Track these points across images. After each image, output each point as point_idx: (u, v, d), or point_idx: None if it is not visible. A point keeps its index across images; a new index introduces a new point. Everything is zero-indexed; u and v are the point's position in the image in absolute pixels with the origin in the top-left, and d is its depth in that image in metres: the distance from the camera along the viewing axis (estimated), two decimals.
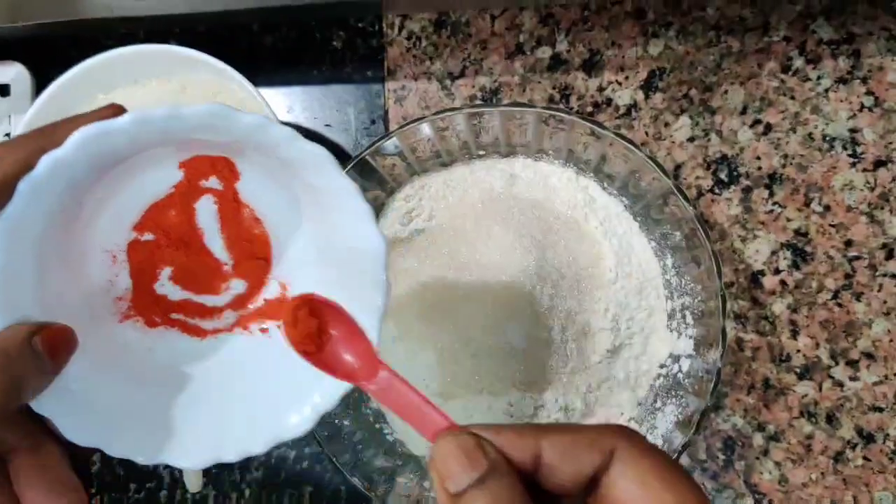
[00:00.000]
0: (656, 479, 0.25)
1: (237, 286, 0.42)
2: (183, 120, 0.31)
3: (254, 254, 0.42)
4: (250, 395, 0.39)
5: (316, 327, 0.38)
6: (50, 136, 0.30)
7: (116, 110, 0.32)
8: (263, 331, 0.42)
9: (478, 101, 0.57)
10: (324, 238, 0.39)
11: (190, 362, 0.41)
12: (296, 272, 0.42)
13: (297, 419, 0.37)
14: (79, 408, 0.35)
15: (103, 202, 0.38)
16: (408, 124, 0.48)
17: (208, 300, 0.42)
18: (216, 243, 0.42)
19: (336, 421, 0.50)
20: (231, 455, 0.36)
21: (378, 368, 0.35)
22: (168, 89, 0.53)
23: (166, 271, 0.42)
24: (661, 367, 0.50)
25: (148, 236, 0.40)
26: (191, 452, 0.36)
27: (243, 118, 0.32)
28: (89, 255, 0.39)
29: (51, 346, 0.32)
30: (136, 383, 0.39)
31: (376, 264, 0.35)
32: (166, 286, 0.42)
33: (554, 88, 0.56)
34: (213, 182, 0.40)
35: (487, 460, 0.26)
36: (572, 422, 0.49)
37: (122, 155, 0.33)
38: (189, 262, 0.42)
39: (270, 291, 0.42)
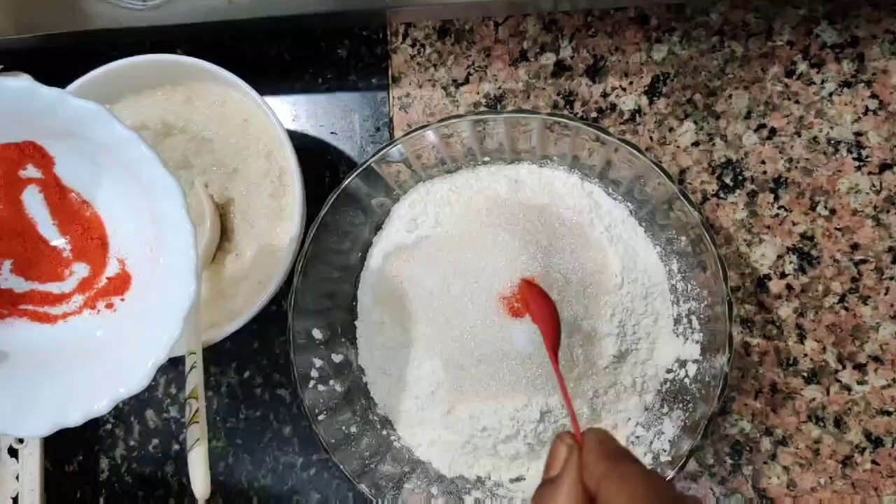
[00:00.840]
0: None
1: (80, 270, 0.44)
2: None
3: (90, 236, 0.44)
4: (95, 365, 0.40)
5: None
6: None
7: None
8: (109, 306, 0.43)
9: (482, 108, 0.57)
10: (137, 200, 0.40)
11: (41, 345, 0.42)
12: (129, 244, 0.43)
13: (137, 377, 0.37)
14: None
15: None
16: (413, 131, 0.48)
17: (54, 287, 0.44)
18: (51, 231, 0.43)
19: (343, 428, 0.50)
20: (76, 417, 0.37)
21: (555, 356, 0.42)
22: (174, 99, 0.53)
23: (6, 264, 0.43)
24: (668, 371, 0.50)
25: None
26: (34, 422, 0.38)
27: (7, 84, 0.33)
28: None
29: None
30: None
31: (176, 207, 0.36)
32: (10, 280, 0.43)
33: (558, 94, 0.56)
34: (31, 171, 0.41)
35: (560, 469, 0.34)
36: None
37: None
38: (28, 253, 0.43)
39: (111, 269, 0.44)
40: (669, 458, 0.46)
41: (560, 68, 0.57)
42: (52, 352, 0.42)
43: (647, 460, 0.48)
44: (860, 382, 0.53)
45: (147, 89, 0.54)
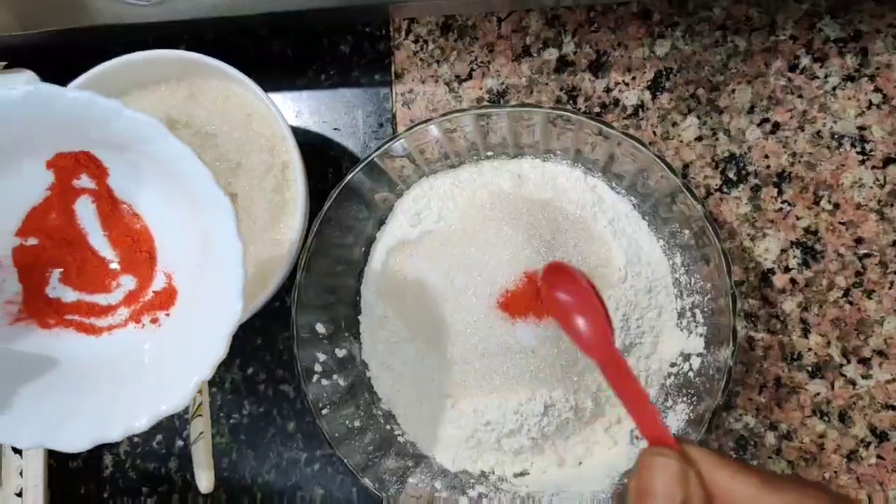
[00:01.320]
0: None
1: (127, 282, 0.43)
2: (7, 106, 0.31)
3: (138, 249, 0.43)
4: (137, 380, 0.40)
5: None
6: None
7: None
8: (154, 321, 0.43)
9: (485, 103, 0.57)
10: (186, 214, 0.40)
11: (85, 358, 0.42)
12: (176, 258, 0.43)
13: (180, 395, 0.37)
14: None
15: None
16: (416, 126, 0.48)
17: (101, 299, 0.43)
18: (101, 242, 0.43)
19: (347, 423, 0.50)
20: (115, 434, 0.37)
21: (609, 349, 0.36)
22: (178, 95, 0.53)
23: (56, 274, 0.43)
24: (672, 365, 0.50)
25: (32, 241, 0.42)
26: (74, 436, 0.37)
27: (66, 95, 0.33)
28: None
29: None
30: (28, 380, 0.39)
31: (226, 224, 0.35)
32: (58, 289, 0.43)
33: (561, 90, 0.56)
34: (85, 181, 0.41)
35: (683, 492, 0.25)
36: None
37: None
38: (77, 263, 0.43)
39: (158, 283, 0.43)
40: None
41: (563, 64, 0.57)
42: (95, 364, 0.41)
43: None
44: (865, 377, 0.52)
45: (150, 85, 0.54)
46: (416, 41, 0.58)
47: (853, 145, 0.53)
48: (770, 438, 0.53)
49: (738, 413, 0.54)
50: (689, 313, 0.50)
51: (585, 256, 0.50)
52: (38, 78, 0.59)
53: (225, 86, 0.53)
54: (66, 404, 0.39)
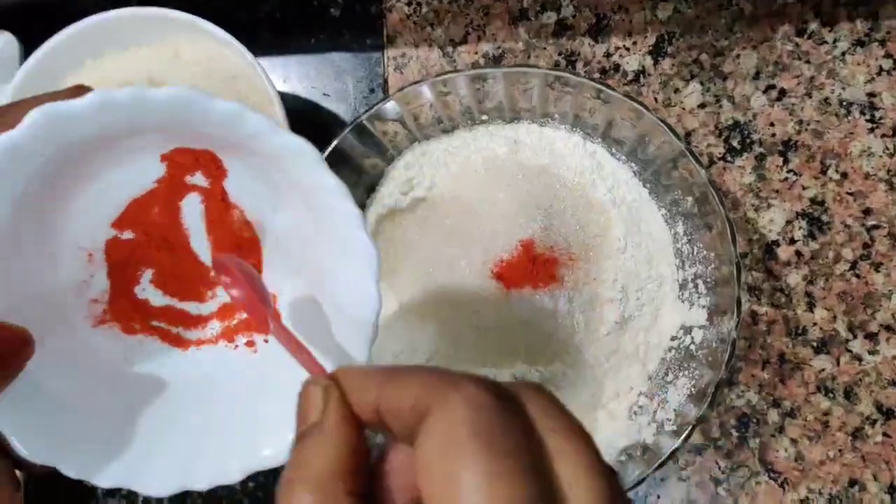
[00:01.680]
0: (451, 471, 0.20)
1: (224, 294, 0.39)
2: (149, 104, 0.28)
3: (243, 259, 0.39)
4: (229, 418, 0.35)
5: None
6: (5, 115, 0.28)
7: (82, 90, 0.29)
8: (249, 344, 0.39)
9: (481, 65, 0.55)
10: (309, 242, 0.36)
11: (168, 375, 0.38)
12: (285, 280, 0.39)
13: (275, 448, 0.33)
14: (36, 420, 0.32)
15: (80, 193, 0.35)
16: (408, 86, 0.46)
17: (192, 308, 0.39)
18: (202, 246, 0.39)
19: None
20: (202, 484, 0.33)
21: (268, 322, 0.33)
22: (160, 56, 0.51)
23: (147, 274, 0.39)
24: (673, 339, 0.48)
25: (128, 234, 0.38)
26: (157, 478, 0.33)
27: (217, 105, 0.29)
28: (63, 250, 0.36)
29: (1, 349, 0.29)
30: (106, 396, 0.35)
31: (366, 276, 0.32)
32: (147, 290, 0.39)
33: (559, 55, 0.54)
34: (198, 178, 0.37)
35: (322, 411, 0.25)
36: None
37: (89, 140, 0.30)
38: (173, 266, 0.39)
39: None
40: (674, 428, 0.44)
41: (561, 27, 0.54)
42: (178, 385, 0.37)
43: (651, 430, 0.46)
44: (871, 352, 0.51)
45: (133, 45, 0.51)
46: (409, 3, 0.56)
47: (862, 113, 0.51)
48: (773, 416, 0.51)
49: (741, 390, 0.52)
50: (691, 284, 0.48)
51: (583, 225, 0.48)
52: (17, 40, 0.57)
53: (210, 47, 0.51)
54: (150, 435, 0.34)
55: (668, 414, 0.46)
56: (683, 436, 0.43)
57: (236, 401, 0.36)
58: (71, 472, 0.32)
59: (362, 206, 0.52)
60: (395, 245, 0.50)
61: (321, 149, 0.48)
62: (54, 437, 0.32)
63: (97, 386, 0.36)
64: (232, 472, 0.33)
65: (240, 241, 0.39)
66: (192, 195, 0.38)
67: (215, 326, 0.39)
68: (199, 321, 0.39)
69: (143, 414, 0.35)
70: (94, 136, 0.29)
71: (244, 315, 0.39)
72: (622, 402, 0.48)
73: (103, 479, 0.33)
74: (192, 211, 0.38)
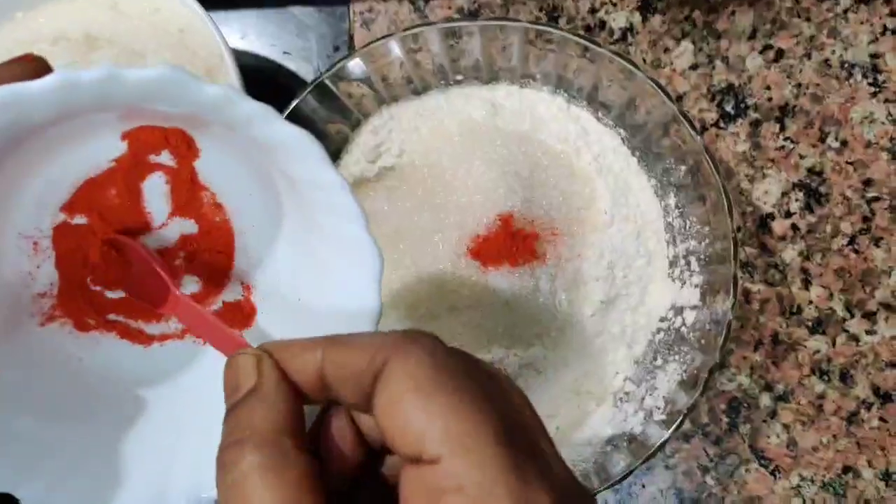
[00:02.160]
0: (419, 404, 0.21)
1: (191, 284, 0.36)
2: (125, 86, 0.25)
3: (213, 247, 0.35)
4: (200, 423, 0.32)
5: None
6: None
7: (38, 66, 0.26)
8: None
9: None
10: (301, 238, 0.33)
11: (130, 376, 0.34)
12: (263, 273, 0.35)
13: None
14: None
15: (24, 175, 0.31)
16: (374, 42, 0.42)
17: None
18: (167, 231, 0.35)
19: None
20: (179, 500, 0.30)
21: (175, 300, 0.32)
22: (99, 6, 0.46)
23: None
24: (662, 320, 0.45)
25: (79, 219, 0.33)
26: (126, 498, 0.30)
27: (205, 90, 0.25)
28: (2, 240, 0.32)
29: None
30: (60, 406, 0.32)
31: (365, 279, 0.29)
32: None
33: (541, 10, 0.50)
34: (164, 157, 0.33)
35: (257, 375, 0.25)
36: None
37: (46, 122, 0.26)
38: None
39: (231, 293, 0.36)
40: (664, 417, 0.41)
41: None
42: (142, 384, 0.34)
43: (638, 418, 0.42)
44: (869, 332, 0.48)
45: None
46: None
47: (864, 76, 0.48)
48: (765, 400, 0.48)
49: (731, 372, 0.49)
50: (682, 261, 0.44)
51: (567, 197, 0.44)
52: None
53: None
54: (113, 458, 0.31)
55: (656, 401, 0.42)
56: (674, 426, 0.40)
57: (207, 404, 0.32)
58: (23, 496, 0.29)
59: None
60: None
61: (279, 111, 0.44)
62: (1, 457, 0.29)
63: (50, 394, 0.32)
64: (210, 489, 0.30)
65: (209, 226, 0.35)
66: (157, 175, 0.34)
67: None
68: (162, 314, 0.35)
69: (105, 423, 0.32)
70: (50, 117, 0.26)
71: (216, 306, 0.36)
72: (607, 388, 0.45)
73: (65, 502, 0.30)
74: (155, 192, 0.34)
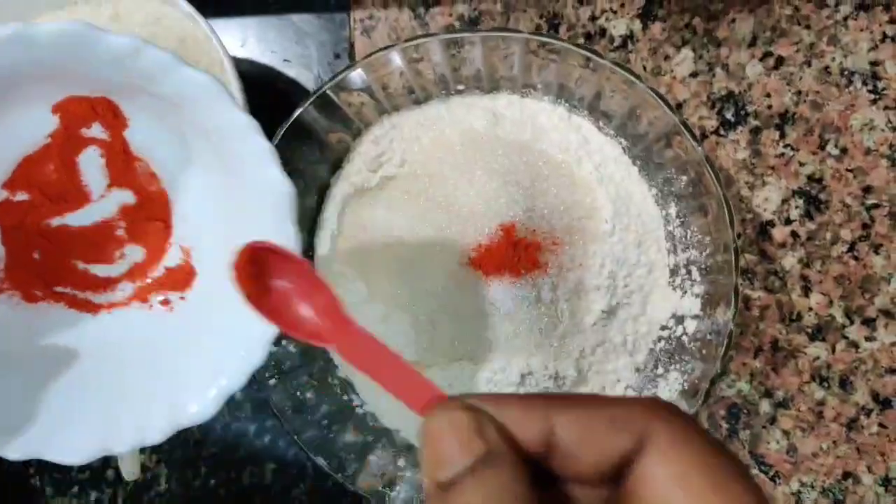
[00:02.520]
0: (703, 477, 0.19)
1: (134, 253, 0.37)
2: (33, 42, 0.26)
3: (151, 215, 0.36)
4: (148, 378, 0.34)
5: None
6: None
7: None
8: (164, 303, 0.37)
9: (456, 29, 0.50)
10: (223, 190, 0.35)
11: (78, 342, 0.35)
12: (199, 235, 0.37)
13: (198, 405, 0.32)
14: None
15: None
16: (376, 52, 0.42)
17: (100, 270, 0.37)
18: (106, 203, 0.37)
19: (298, 393, 0.44)
20: (123, 446, 0.32)
21: (345, 326, 0.27)
22: (100, 16, 0.46)
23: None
24: (663, 328, 0.45)
25: (21, 196, 0.35)
26: (73, 445, 0.32)
27: (110, 40, 0.27)
28: None
29: None
30: (9, 367, 0.33)
31: (281, 214, 0.31)
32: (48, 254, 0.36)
33: (541, 18, 0.50)
34: (96, 130, 0.34)
35: (485, 443, 0.20)
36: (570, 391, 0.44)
37: None
38: (75, 227, 0.37)
39: (172, 258, 0.37)
40: None
41: None
42: (92, 352, 0.36)
43: None
44: (869, 339, 0.48)
45: (68, 5, 0.46)
46: None
47: (864, 83, 0.48)
48: (765, 406, 0.49)
49: (731, 379, 0.49)
50: (683, 270, 0.44)
51: (568, 206, 0.44)
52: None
53: (155, 7, 0.46)
54: (62, 404, 0.33)
55: None
56: None
57: (154, 361, 0.35)
58: None
59: (326, 184, 0.47)
60: (363, 227, 0.46)
61: (280, 121, 0.44)
62: None
63: (6, 363, 0.34)
64: (154, 432, 0.32)
65: (146, 196, 0.37)
66: (91, 149, 0.36)
67: (127, 288, 0.38)
68: (108, 284, 0.37)
69: (55, 383, 0.34)
70: None
71: (159, 272, 0.38)
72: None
73: (12, 452, 0.31)
74: (91, 165, 0.36)
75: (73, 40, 0.27)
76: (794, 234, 0.49)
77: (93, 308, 0.37)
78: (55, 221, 0.36)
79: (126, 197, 0.37)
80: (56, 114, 0.33)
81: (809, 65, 0.48)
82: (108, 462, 0.54)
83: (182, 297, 0.37)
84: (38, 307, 0.36)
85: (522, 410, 0.21)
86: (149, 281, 0.37)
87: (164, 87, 0.29)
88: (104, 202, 0.37)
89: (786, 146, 0.49)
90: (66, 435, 0.32)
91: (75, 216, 0.36)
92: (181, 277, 0.37)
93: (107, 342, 0.36)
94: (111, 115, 0.34)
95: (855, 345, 0.48)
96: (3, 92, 0.30)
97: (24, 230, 0.35)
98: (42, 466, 0.54)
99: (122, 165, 0.36)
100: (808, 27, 0.48)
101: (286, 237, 0.30)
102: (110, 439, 0.32)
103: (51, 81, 0.31)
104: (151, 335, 0.36)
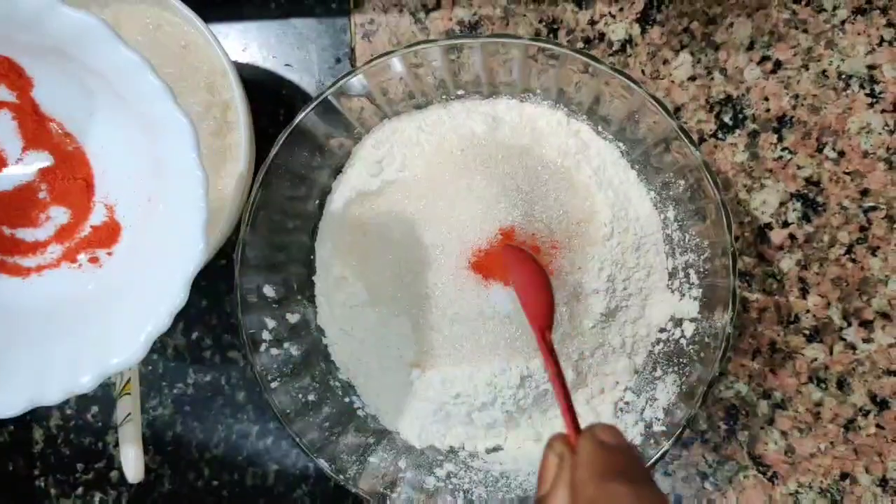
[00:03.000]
0: None
1: (59, 215, 0.38)
2: None
3: (71, 176, 0.37)
4: (77, 332, 0.35)
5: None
6: None
7: None
8: (93, 261, 0.38)
9: (456, 34, 0.51)
10: (132, 139, 0.35)
11: (8, 303, 0.36)
12: (119, 189, 0.37)
13: (127, 349, 0.32)
14: None
15: None
16: (377, 58, 0.42)
17: (27, 234, 0.38)
18: (24, 167, 0.37)
19: (300, 396, 0.45)
20: (53, 397, 0.32)
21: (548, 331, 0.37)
22: None
23: None
24: (662, 331, 0.45)
25: None
26: (7, 397, 0.32)
27: None
28: None
29: None
30: None
31: (185, 151, 0.31)
32: None
33: (540, 22, 0.50)
34: (3, 93, 0.35)
35: (549, 487, 0.30)
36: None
37: None
38: None
39: (97, 217, 0.38)
40: (663, 428, 0.42)
41: None
42: (23, 312, 0.36)
43: (638, 429, 0.43)
44: (866, 340, 0.48)
45: None
46: None
47: (861, 86, 0.48)
48: (763, 407, 0.49)
49: (730, 380, 0.49)
50: (681, 274, 0.45)
51: (567, 210, 0.44)
52: None
53: (156, 13, 0.46)
54: None
55: (656, 413, 0.43)
56: (673, 438, 0.41)
57: (84, 315, 0.36)
58: None
59: (328, 188, 0.48)
60: (364, 231, 0.46)
61: (282, 126, 0.44)
62: None
63: None
64: (83, 381, 0.32)
65: (64, 156, 0.37)
66: (2, 112, 0.36)
67: (55, 250, 0.38)
68: (35, 247, 0.38)
69: None
70: None
71: (85, 232, 0.38)
72: (606, 399, 0.45)
73: None
74: (5, 130, 0.36)
75: None
76: (792, 237, 0.49)
77: (22, 272, 0.37)
78: None
79: (43, 158, 0.37)
80: None
81: (807, 68, 0.49)
82: (112, 464, 0.54)
83: (109, 253, 0.38)
84: None
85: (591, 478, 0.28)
86: (76, 241, 0.38)
87: (50, 32, 0.29)
88: (22, 166, 0.37)
89: (783, 149, 0.49)
90: (3, 391, 0.33)
91: None
92: (107, 234, 0.38)
93: (36, 302, 0.37)
94: (14, 76, 0.34)
95: (852, 346, 0.48)
96: None
97: None
98: (47, 468, 0.54)
99: (35, 127, 0.36)
100: (805, 31, 0.49)
101: (194, 175, 0.31)
102: (40, 390, 0.33)
103: None
104: (81, 292, 0.37)
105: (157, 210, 0.35)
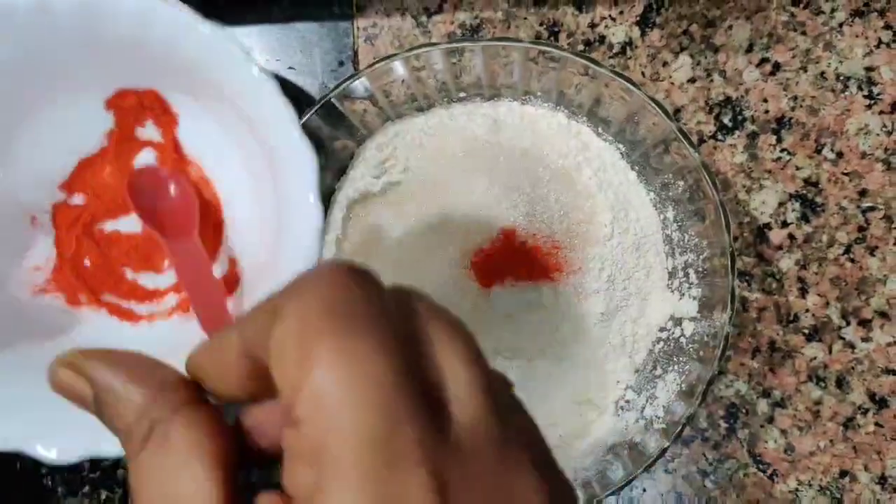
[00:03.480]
0: (309, 339, 0.17)
1: None
2: (53, 15, 0.27)
3: (205, 223, 0.36)
4: None
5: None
6: None
7: None
8: None
9: (458, 38, 0.51)
10: (258, 183, 0.35)
11: (108, 346, 0.36)
12: (243, 241, 0.36)
13: None
14: None
15: (23, 150, 0.32)
16: (379, 62, 0.43)
17: (148, 280, 0.37)
18: (160, 209, 0.36)
19: None
20: (110, 450, 0.32)
21: (192, 234, 0.32)
22: None
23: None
24: (661, 330, 0.46)
25: (77, 199, 0.35)
26: (62, 446, 0.32)
27: (123, 2, 0.27)
28: (2, 210, 0.33)
29: None
30: (38, 370, 0.34)
31: (305, 186, 0.31)
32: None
33: (541, 25, 0.51)
34: (150, 130, 0.34)
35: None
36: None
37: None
38: (127, 233, 0.37)
39: (220, 267, 0.37)
40: (664, 426, 0.42)
41: None
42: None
43: (638, 427, 0.44)
44: (865, 339, 0.49)
45: None
46: None
47: (860, 88, 0.49)
48: (762, 406, 0.49)
49: (729, 379, 0.50)
50: (681, 273, 0.45)
51: (568, 211, 0.45)
52: None
53: None
54: (56, 405, 0.34)
55: (656, 411, 0.43)
56: (673, 436, 0.41)
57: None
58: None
59: (332, 190, 0.48)
60: (366, 231, 0.47)
61: None
62: None
63: (30, 358, 0.34)
64: None
65: (201, 202, 0.36)
66: (146, 151, 0.35)
67: (171, 300, 0.37)
68: (154, 295, 0.37)
69: None
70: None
71: None
72: (608, 397, 0.46)
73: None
74: None
75: (87, 7, 0.27)
76: (791, 237, 0.49)
77: (134, 318, 0.37)
78: (108, 226, 0.36)
79: None
80: (110, 110, 0.34)
81: (805, 70, 0.49)
82: (119, 462, 0.55)
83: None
84: (80, 312, 0.36)
85: (215, 342, 0.21)
86: None
87: (186, 52, 0.28)
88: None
89: (782, 150, 0.49)
90: (57, 436, 0.32)
91: (128, 221, 0.36)
92: (228, 286, 0.37)
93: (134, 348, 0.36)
94: (160, 110, 0.34)
95: (851, 345, 0.49)
96: (50, 80, 0.31)
97: (76, 233, 0.36)
98: (54, 466, 0.55)
99: (175, 167, 0.35)
100: (804, 33, 0.49)
101: (310, 212, 0.31)
102: (97, 444, 0.32)
103: (95, 68, 0.31)
104: (182, 344, 0.36)
105: (271, 270, 0.34)
